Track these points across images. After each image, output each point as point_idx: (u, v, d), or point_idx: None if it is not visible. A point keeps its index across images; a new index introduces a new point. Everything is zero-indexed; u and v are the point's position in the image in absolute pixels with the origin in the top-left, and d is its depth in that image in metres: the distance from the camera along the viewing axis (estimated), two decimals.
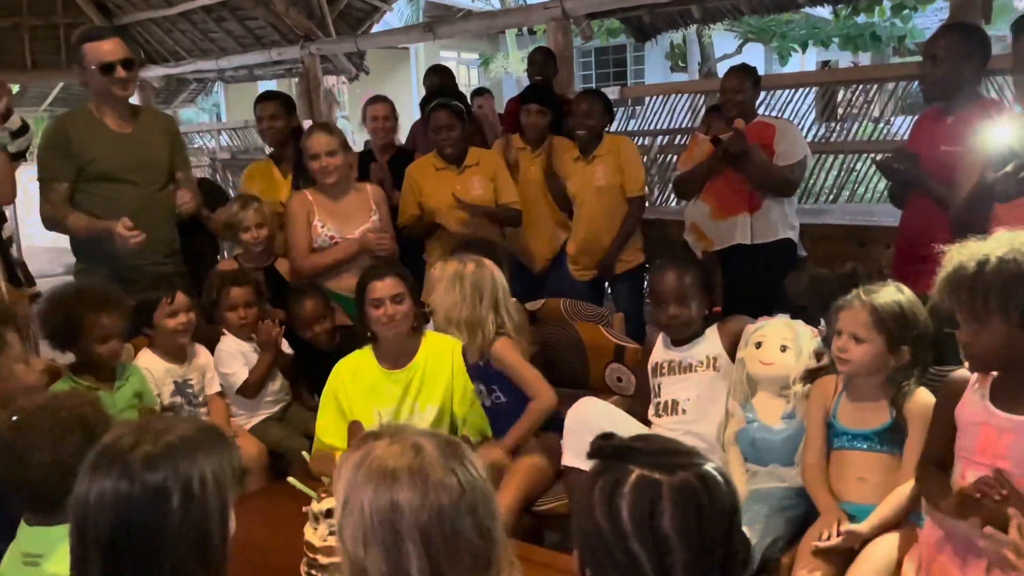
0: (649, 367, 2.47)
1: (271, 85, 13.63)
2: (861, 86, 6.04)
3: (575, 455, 2.21)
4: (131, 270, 3.07)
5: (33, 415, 1.53)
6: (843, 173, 5.72)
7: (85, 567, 1.17)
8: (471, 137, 3.97)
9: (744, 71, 3.66)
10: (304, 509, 1.98)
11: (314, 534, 1.89)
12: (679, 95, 6.51)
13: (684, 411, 2.34)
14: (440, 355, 2.54)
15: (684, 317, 2.37)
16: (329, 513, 1.90)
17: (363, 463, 1.11)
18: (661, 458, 1.02)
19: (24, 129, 3.38)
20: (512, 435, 2.43)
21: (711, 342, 2.39)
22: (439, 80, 4.76)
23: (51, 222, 3.06)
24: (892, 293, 1.99)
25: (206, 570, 1.20)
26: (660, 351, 2.46)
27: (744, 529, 1.99)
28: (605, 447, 1.05)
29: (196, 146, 10.17)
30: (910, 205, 3.00)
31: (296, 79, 8.58)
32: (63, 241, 3.27)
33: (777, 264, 3.61)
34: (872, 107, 5.99)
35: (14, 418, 1.54)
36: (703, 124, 4.05)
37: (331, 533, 1.86)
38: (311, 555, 1.87)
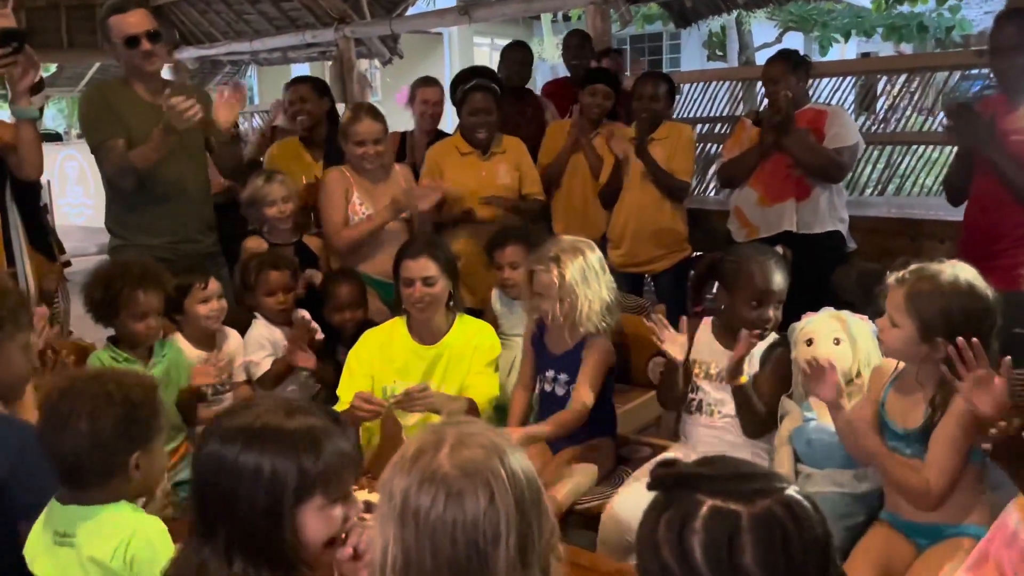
0: (690, 357, 2.31)
1: (304, 68, 13.60)
2: (906, 76, 5.83)
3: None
4: (166, 248, 3.04)
5: (82, 382, 1.51)
6: (890, 166, 5.53)
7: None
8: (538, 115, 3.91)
9: (786, 57, 3.52)
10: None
11: None
12: (719, 82, 6.35)
13: (722, 414, 2.22)
14: (469, 337, 2.46)
15: (776, 322, 2.22)
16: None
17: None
18: (736, 484, 0.88)
19: (39, 87, 3.34)
20: (530, 431, 2.25)
21: (754, 360, 2.23)
22: (521, 56, 4.45)
23: (121, 173, 2.94)
24: (941, 277, 1.78)
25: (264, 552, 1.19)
26: (709, 350, 2.28)
27: None
28: (668, 476, 0.92)
29: None
30: (973, 198, 2.86)
31: (330, 62, 8.52)
32: (97, 220, 3.22)
33: (825, 256, 3.48)
34: (918, 98, 5.78)
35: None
36: (751, 113, 3.90)
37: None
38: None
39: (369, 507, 1.82)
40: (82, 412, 1.45)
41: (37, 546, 1.48)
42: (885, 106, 6.07)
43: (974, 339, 1.62)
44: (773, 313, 2.19)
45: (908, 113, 5.87)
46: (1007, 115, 2.70)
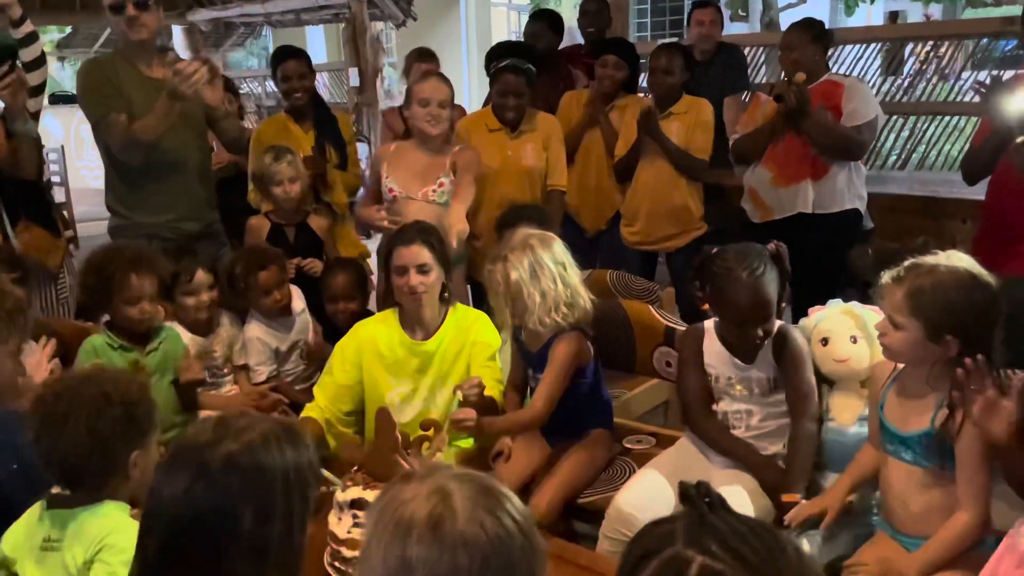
0: (705, 366, 2.17)
1: (318, 31, 13.44)
2: (932, 42, 5.64)
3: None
4: (166, 226, 3.02)
5: (77, 383, 1.50)
6: (914, 136, 5.38)
7: (145, 558, 1.16)
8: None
9: (803, 26, 3.40)
10: (330, 489, 1.89)
11: (338, 524, 1.79)
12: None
13: (748, 426, 2.11)
14: (465, 331, 2.35)
15: (768, 333, 2.05)
16: (354, 504, 1.81)
17: (386, 507, 0.98)
18: (738, 544, 0.82)
19: (41, 61, 3.34)
20: (496, 424, 2.19)
21: (768, 359, 2.07)
22: (542, 27, 4.22)
23: (126, 147, 2.90)
24: (939, 271, 1.67)
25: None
26: (718, 361, 2.14)
27: (803, 540, 1.84)
28: (698, 497, 0.87)
29: (242, 91, 10.08)
30: (996, 178, 2.75)
31: (343, 25, 8.40)
32: None
33: (842, 236, 3.40)
34: (947, 62, 5.59)
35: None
36: (766, 85, 3.78)
37: (355, 525, 1.76)
38: (335, 546, 1.77)
39: (361, 504, 1.81)
40: (80, 415, 1.43)
41: (21, 548, 1.47)
42: (912, 70, 5.89)
43: (979, 356, 1.53)
44: (763, 329, 2.03)
45: (935, 80, 5.69)
46: None
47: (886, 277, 1.73)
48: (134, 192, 3.02)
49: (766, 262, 2.01)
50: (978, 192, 3.01)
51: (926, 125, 5.34)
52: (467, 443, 2.40)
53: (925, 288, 1.66)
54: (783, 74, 3.52)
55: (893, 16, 15.25)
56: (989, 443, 1.58)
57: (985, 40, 5.31)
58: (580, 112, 3.79)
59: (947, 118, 5.27)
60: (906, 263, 1.73)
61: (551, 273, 2.16)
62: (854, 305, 2.12)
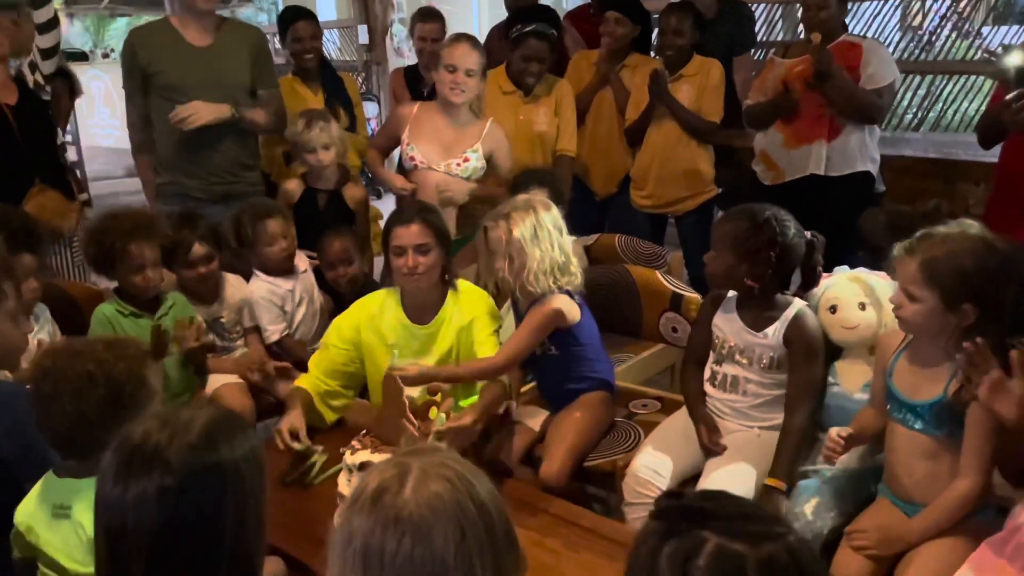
0: (713, 328, 2.18)
1: None
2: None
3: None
4: (200, 188, 3.06)
5: (63, 361, 1.48)
6: (931, 94, 5.30)
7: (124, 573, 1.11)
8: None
9: None
10: (340, 450, 1.93)
11: (347, 487, 1.83)
12: (753, 5, 6.05)
13: (744, 392, 2.11)
14: (465, 311, 2.29)
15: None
16: (363, 467, 1.84)
17: (362, 476, 1.02)
18: (741, 525, 0.85)
19: (54, 23, 3.42)
20: (429, 372, 2.12)
21: (777, 337, 2.04)
22: None
23: (133, 144, 3.17)
24: (952, 240, 1.65)
25: (260, 550, 1.18)
26: (728, 324, 2.13)
27: (804, 507, 1.86)
28: (673, 508, 0.88)
29: None
30: (1011, 142, 2.72)
31: None
32: (125, 142, 3.27)
33: (853, 198, 3.36)
34: (966, 17, 5.49)
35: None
36: (780, 47, 3.70)
37: None
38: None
39: (369, 467, 1.85)
40: (64, 394, 1.42)
41: (34, 517, 1.48)
42: (932, 26, 5.78)
43: (979, 339, 1.52)
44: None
45: (953, 36, 5.59)
46: None
47: (898, 249, 1.72)
48: (169, 153, 3.06)
49: (796, 233, 2.05)
50: (993, 155, 2.97)
51: (944, 83, 5.26)
52: (468, 401, 2.42)
53: (939, 257, 1.65)
54: (801, 32, 3.46)
55: None
56: (999, 424, 1.57)
57: None
58: (590, 72, 3.75)
59: (965, 76, 5.19)
60: (918, 234, 1.71)
61: (549, 236, 2.19)
62: (860, 271, 2.12)
